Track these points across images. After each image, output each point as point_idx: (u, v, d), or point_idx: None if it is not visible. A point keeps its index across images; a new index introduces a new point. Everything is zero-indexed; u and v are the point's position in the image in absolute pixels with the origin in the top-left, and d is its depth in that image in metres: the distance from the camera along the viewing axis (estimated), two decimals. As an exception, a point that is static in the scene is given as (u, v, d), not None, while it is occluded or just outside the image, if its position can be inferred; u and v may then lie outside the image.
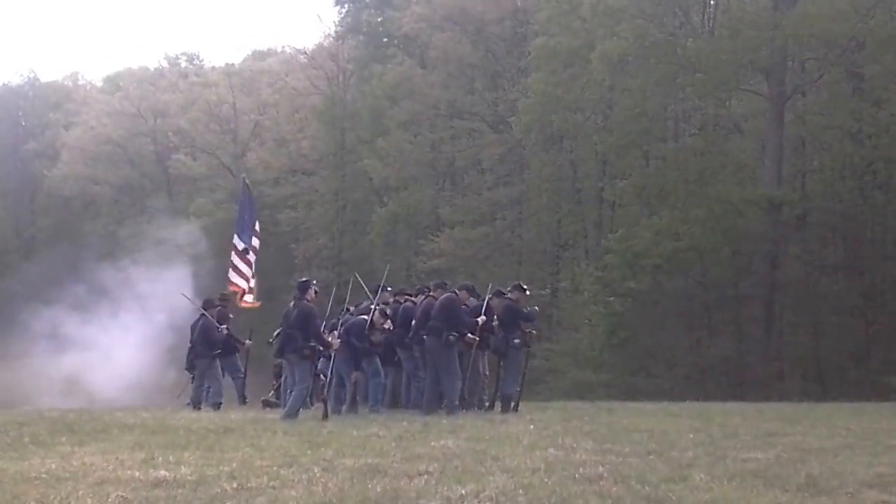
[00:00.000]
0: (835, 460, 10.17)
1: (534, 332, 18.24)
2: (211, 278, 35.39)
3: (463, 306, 17.01)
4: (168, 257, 30.98)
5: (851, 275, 37.70)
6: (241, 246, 23.58)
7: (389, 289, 18.60)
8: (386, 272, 19.55)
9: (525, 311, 17.71)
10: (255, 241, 24.02)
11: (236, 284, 23.27)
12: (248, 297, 23.47)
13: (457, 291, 17.26)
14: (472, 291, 17.51)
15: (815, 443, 11.78)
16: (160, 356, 29.73)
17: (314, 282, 16.53)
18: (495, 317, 17.34)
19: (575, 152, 44.60)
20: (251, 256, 23.65)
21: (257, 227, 24.33)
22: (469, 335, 16.49)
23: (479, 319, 16.78)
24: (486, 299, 17.41)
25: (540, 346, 35.21)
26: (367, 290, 18.37)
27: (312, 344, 15.53)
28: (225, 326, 19.92)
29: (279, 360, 18.53)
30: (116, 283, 29.77)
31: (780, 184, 36.94)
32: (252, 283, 23.64)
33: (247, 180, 26.72)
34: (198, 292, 26.57)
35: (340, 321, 17.42)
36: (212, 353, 19.56)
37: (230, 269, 23.54)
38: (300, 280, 16.74)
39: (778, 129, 36.96)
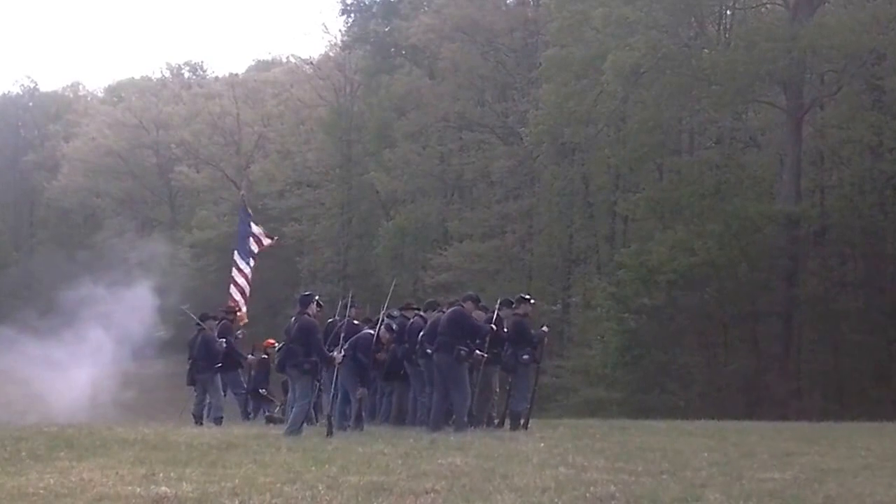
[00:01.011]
0: (854, 481, 10.02)
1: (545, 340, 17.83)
2: (181, 294, 34.83)
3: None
4: (130, 276, 30.36)
5: (871, 292, 37.14)
6: (241, 264, 23.24)
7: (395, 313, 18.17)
8: (392, 287, 18.92)
9: (532, 332, 17.26)
10: (252, 263, 23.71)
11: (234, 299, 22.85)
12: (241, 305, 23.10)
13: (462, 304, 16.67)
14: (476, 301, 16.91)
15: (834, 463, 11.64)
16: (117, 375, 29.16)
17: (316, 296, 16.27)
18: (505, 330, 16.92)
19: (587, 165, 43.87)
20: (247, 270, 23.32)
21: (252, 247, 23.95)
22: (477, 352, 16.02)
23: (489, 326, 16.38)
24: (496, 310, 17.02)
25: (551, 363, 34.80)
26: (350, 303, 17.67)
27: (313, 359, 15.18)
28: (224, 340, 19.49)
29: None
30: (75, 302, 29.23)
31: (798, 199, 36.46)
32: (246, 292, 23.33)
33: (245, 198, 27.07)
34: (163, 311, 26.13)
35: (342, 333, 16.77)
36: (213, 366, 19.12)
37: (231, 284, 23.13)
38: (302, 294, 16.48)
39: (796, 142, 36.48)
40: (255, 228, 24.17)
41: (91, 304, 28.04)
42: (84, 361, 26.02)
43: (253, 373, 21.11)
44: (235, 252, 23.84)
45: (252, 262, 23.84)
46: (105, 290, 29.07)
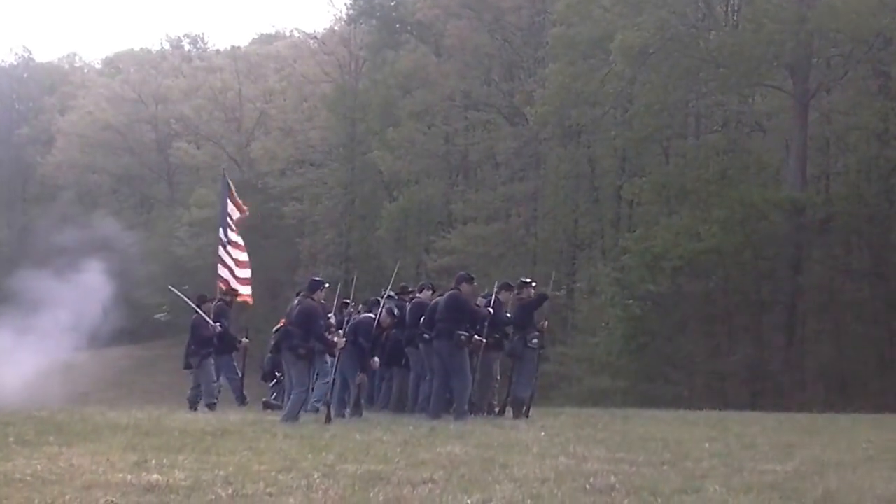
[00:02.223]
0: (854, 475, 9.86)
1: (546, 322, 17.79)
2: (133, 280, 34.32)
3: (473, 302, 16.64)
4: (80, 261, 29.94)
5: (876, 281, 36.89)
6: (224, 239, 22.90)
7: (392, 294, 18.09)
8: (396, 270, 18.72)
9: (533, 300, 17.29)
10: (232, 235, 23.22)
11: (224, 279, 22.51)
12: (243, 290, 22.64)
13: (459, 287, 16.45)
14: (469, 281, 16.63)
15: (835, 456, 11.48)
16: (61, 361, 28.81)
17: (327, 284, 16.19)
18: (507, 315, 16.94)
19: (593, 147, 43.72)
20: (233, 249, 22.91)
21: (230, 213, 23.51)
22: (476, 337, 15.93)
23: (487, 309, 16.32)
24: (494, 294, 17.02)
25: (554, 350, 34.65)
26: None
27: (310, 344, 15.11)
28: (219, 324, 19.23)
29: None
30: (24, 288, 28.81)
31: (803, 185, 36.38)
32: (240, 274, 22.87)
33: (226, 173, 26.35)
34: (120, 296, 25.75)
35: (347, 319, 16.92)
36: (203, 350, 18.96)
37: (218, 264, 22.80)
38: (313, 278, 16.34)
39: (802, 127, 36.37)
40: (230, 207, 23.67)
41: (37, 289, 27.60)
42: (25, 351, 25.57)
43: (269, 356, 20.78)
44: (220, 229, 23.39)
45: (230, 238, 23.35)
46: (53, 274, 28.54)
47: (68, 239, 37.27)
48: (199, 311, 19.28)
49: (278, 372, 20.60)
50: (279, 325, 17.94)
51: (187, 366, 19.56)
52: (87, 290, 25.73)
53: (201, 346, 18.93)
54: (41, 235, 52.65)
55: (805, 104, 36.22)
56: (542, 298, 17.52)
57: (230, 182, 24.47)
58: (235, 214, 23.65)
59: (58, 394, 27.49)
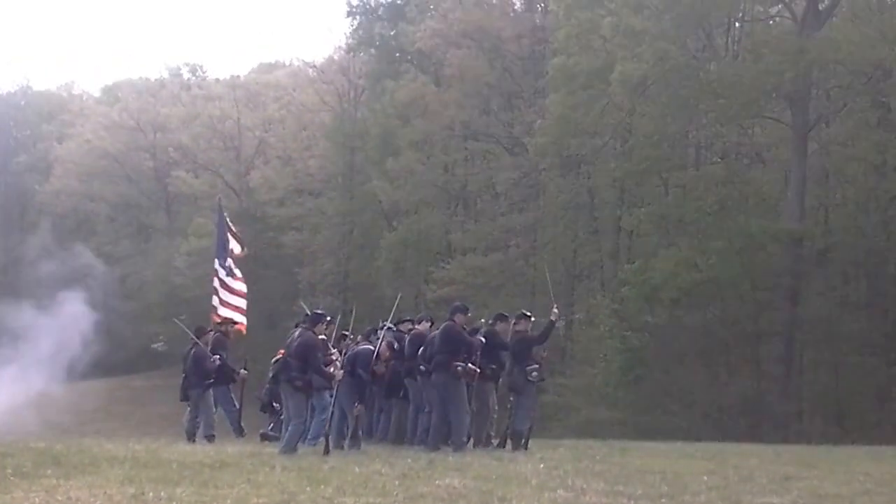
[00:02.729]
0: None
1: (544, 353, 17.64)
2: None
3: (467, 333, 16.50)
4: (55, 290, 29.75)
5: (874, 313, 37.13)
6: (221, 271, 22.82)
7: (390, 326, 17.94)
8: (397, 302, 18.64)
9: (536, 335, 17.19)
10: (231, 263, 23.15)
11: (215, 308, 22.45)
12: (238, 318, 22.59)
13: (453, 318, 16.42)
14: (464, 312, 16.64)
15: (833, 488, 11.63)
16: (37, 393, 28.63)
17: (329, 318, 16.21)
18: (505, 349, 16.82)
19: (592, 178, 43.68)
20: (230, 280, 22.85)
21: (232, 248, 23.47)
22: (470, 366, 15.85)
23: (479, 339, 16.24)
24: (489, 324, 17.03)
25: (553, 381, 34.57)
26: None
27: (307, 377, 15.04)
28: (218, 356, 19.14)
29: None
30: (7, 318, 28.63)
31: (802, 217, 36.41)
32: (235, 302, 22.82)
33: (222, 202, 26.10)
34: (99, 326, 25.63)
35: (343, 351, 16.85)
36: (204, 382, 18.83)
37: (213, 295, 22.74)
38: (315, 311, 16.32)
39: (801, 159, 36.44)
40: (232, 240, 23.60)
41: (19, 320, 27.42)
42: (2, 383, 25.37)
43: (267, 387, 20.72)
44: (216, 261, 23.32)
45: (229, 268, 23.29)
46: (34, 305, 28.37)
47: (50, 269, 37.12)
48: (199, 342, 19.20)
49: (276, 403, 20.57)
50: (278, 356, 17.91)
51: (185, 398, 19.43)
52: (68, 321, 25.56)
53: (202, 378, 18.81)
54: (25, 266, 52.64)
55: (804, 136, 36.31)
56: (547, 332, 17.40)
57: (226, 214, 24.50)
58: (237, 249, 23.65)
59: (34, 425, 27.41)
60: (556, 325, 18.79)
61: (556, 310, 17.56)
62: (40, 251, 51.46)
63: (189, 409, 19.33)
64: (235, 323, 21.94)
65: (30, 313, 26.69)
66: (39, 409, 28.90)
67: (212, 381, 18.91)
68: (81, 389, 50.67)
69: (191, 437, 18.87)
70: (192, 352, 19.06)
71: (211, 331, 20.07)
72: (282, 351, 18.65)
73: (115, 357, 66.20)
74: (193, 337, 19.52)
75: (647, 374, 35.36)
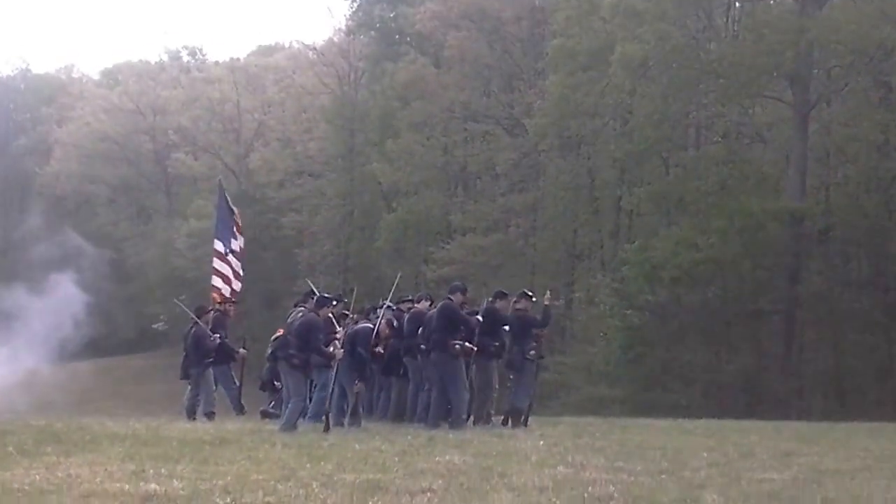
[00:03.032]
0: (852, 483, 9.93)
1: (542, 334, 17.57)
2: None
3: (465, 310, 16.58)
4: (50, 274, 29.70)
5: (875, 291, 37.06)
6: (221, 249, 22.76)
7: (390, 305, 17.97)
8: (396, 281, 18.62)
9: (538, 317, 17.19)
10: (235, 244, 23.11)
11: (218, 289, 22.44)
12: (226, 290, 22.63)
13: (451, 297, 16.52)
14: (463, 292, 16.81)
15: (833, 464, 11.54)
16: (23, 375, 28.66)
17: (335, 303, 16.15)
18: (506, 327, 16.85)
19: (592, 159, 43.56)
20: (232, 259, 22.82)
21: (236, 229, 23.43)
22: (467, 344, 15.88)
23: (476, 317, 16.25)
24: (487, 302, 17.03)
25: (552, 359, 34.57)
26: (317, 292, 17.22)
27: (304, 355, 15.18)
28: (218, 335, 19.20)
29: None
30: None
31: (803, 196, 36.30)
32: (235, 285, 22.82)
33: (223, 182, 26.34)
34: (93, 308, 25.62)
35: (344, 330, 16.60)
36: (204, 361, 18.93)
37: (213, 275, 22.70)
38: (323, 294, 16.34)
39: (802, 139, 36.32)
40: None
41: (12, 301, 27.40)
42: None
43: (267, 365, 20.80)
44: (216, 240, 23.29)
45: (235, 244, 23.24)
46: (24, 288, 28.36)
47: (42, 252, 37.18)
48: (199, 322, 19.25)
49: (277, 381, 20.64)
50: (277, 335, 17.98)
51: (185, 376, 19.54)
52: (60, 302, 25.59)
53: (202, 357, 18.90)
54: (23, 248, 52.64)
55: (805, 115, 36.22)
56: (545, 322, 17.40)
57: (226, 194, 24.47)
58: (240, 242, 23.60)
59: (33, 405, 27.41)
60: (554, 306, 18.82)
61: (549, 293, 17.62)
62: (35, 234, 51.58)
63: (189, 387, 19.41)
64: (234, 301, 21.98)
65: (23, 295, 26.75)
66: (37, 389, 28.96)
67: (212, 359, 18.99)
68: (81, 369, 50.82)
69: (191, 414, 18.97)
70: (193, 331, 19.13)
71: (211, 310, 20.12)
72: (281, 329, 18.75)
73: (115, 337, 66.66)
74: (193, 316, 19.60)
75: (647, 352, 35.33)
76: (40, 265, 32.74)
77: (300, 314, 16.91)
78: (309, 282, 19.12)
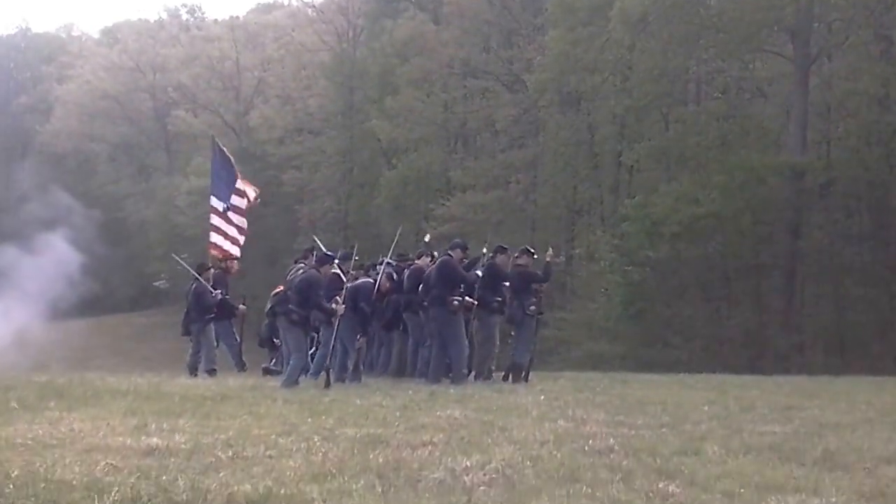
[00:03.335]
0: (853, 435, 9.95)
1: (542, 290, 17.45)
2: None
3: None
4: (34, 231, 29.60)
5: (876, 245, 36.89)
6: (220, 206, 22.68)
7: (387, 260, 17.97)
8: (396, 237, 18.60)
9: (539, 273, 17.22)
10: (236, 199, 22.99)
11: (218, 246, 22.37)
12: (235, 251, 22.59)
13: (450, 253, 16.53)
14: (463, 249, 16.82)
15: (834, 417, 11.54)
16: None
17: (336, 261, 16.14)
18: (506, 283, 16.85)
19: (592, 114, 43.38)
20: (233, 215, 22.75)
21: (238, 185, 23.30)
22: (467, 298, 15.91)
23: (475, 273, 16.28)
24: (489, 257, 17.02)
25: (553, 315, 34.58)
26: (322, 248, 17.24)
27: (303, 312, 15.24)
28: (220, 291, 19.25)
29: None
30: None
31: (804, 150, 36.04)
32: (240, 240, 22.77)
33: (216, 139, 26.02)
34: (86, 266, 25.57)
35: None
36: (205, 317, 18.99)
37: (211, 231, 22.64)
38: (325, 252, 16.40)
39: (803, 93, 36.05)
40: (241, 183, 23.43)
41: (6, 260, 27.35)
42: None
43: (266, 322, 20.87)
44: (212, 197, 23.20)
45: (239, 200, 23.15)
46: (13, 246, 28.28)
47: (34, 211, 37.07)
48: (200, 279, 19.28)
49: (276, 338, 20.76)
50: (277, 290, 18.02)
51: (186, 332, 19.58)
52: (53, 261, 25.53)
53: (203, 313, 18.96)
54: (19, 206, 52.57)
55: (806, 70, 35.94)
56: (546, 277, 17.41)
57: (226, 150, 24.35)
58: (251, 193, 23.47)
59: (32, 362, 27.39)
60: (555, 262, 18.84)
61: (550, 250, 17.65)
62: (33, 193, 51.42)
63: (192, 343, 19.48)
64: (234, 256, 21.95)
65: (17, 253, 26.71)
66: (36, 347, 28.94)
67: (213, 315, 19.02)
68: (82, 327, 50.87)
69: (192, 371, 19.02)
70: (194, 287, 19.19)
71: (211, 268, 20.10)
72: (281, 286, 18.82)
73: (116, 295, 66.79)
74: (195, 273, 19.65)
75: (647, 308, 35.23)
76: (33, 224, 32.68)
77: (300, 271, 16.95)
78: (315, 238, 19.11)
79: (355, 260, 17.10)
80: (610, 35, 38.57)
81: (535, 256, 17.41)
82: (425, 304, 16.33)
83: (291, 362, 15.48)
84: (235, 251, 22.27)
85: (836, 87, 37.59)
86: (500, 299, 16.62)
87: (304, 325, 15.52)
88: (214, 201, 22.91)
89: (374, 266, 17.87)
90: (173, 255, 22.58)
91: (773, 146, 38.37)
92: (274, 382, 15.55)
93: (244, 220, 22.98)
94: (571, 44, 39.48)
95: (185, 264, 20.88)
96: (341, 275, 16.09)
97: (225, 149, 24.43)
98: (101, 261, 32.29)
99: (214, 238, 22.47)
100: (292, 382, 14.93)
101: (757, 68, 40.84)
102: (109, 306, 68.70)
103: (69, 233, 28.23)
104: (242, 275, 25.54)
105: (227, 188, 22.97)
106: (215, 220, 22.70)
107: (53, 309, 26.82)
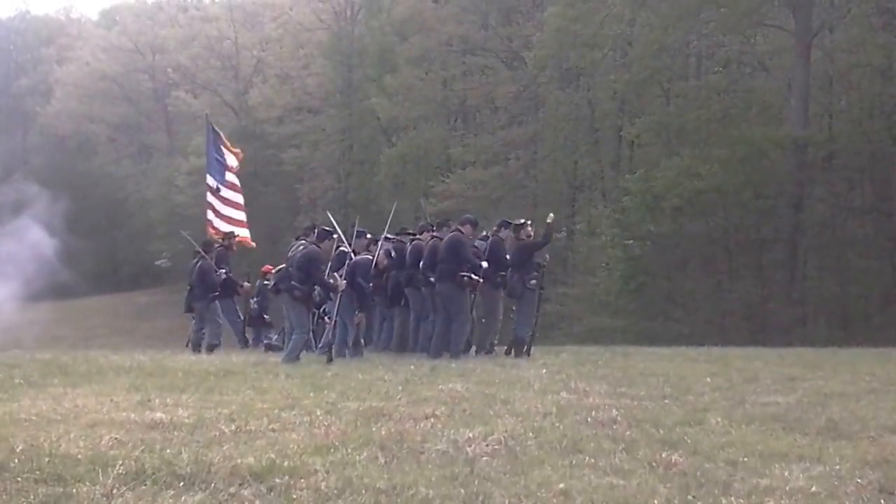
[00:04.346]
0: (857, 405, 10.03)
1: (545, 262, 17.44)
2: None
3: (472, 245, 16.67)
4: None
5: (879, 218, 36.71)
6: (213, 185, 22.77)
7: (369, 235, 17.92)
8: (393, 210, 18.62)
9: (538, 240, 17.31)
10: (231, 176, 23.08)
11: (212, 223, 22.49)
12: (241, 232, 22.64)
13: (460, 229, 16.57)
14: (474, 225, 16.85)
15: (838, 387, 11.60)
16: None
17: (336, 236, 16.21)
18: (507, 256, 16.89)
19: (592, 90, 43.27)
20: (231, 192, 22.83)
21: (230, 162, 23.37)
22: (474, 276, 15.94)
23: (482, 263, 16.26)
24: (493, 232, 17.20)
25: (555, 290, 34.55)
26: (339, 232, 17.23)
27: (306, 287, 15.30)
28: (224, 269, 19.39)
29: None
30: None
31: (806, 124, 35.82)
32: (237, 216, 22.85)
33: (209, 117, 26.26)
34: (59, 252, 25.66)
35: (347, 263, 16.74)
36: (209, 295, 19.08)
37: (207, 210, 22.72)
38: (324, 228, 16.36)
39: (804, 66, 35.78)
40: (226, 154, 23.48)
41: None
42: None
43: (256, 299, 21.07)
44: (208, 176, 23.25)
45: (229, 182, 23.23)
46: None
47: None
48: (206, 256, 19.34)
49: (266, 315, 20.96)
50: (280, 267, 18.11)
51: (188, 310, 19.70)
52: (28, 247, 25.54)
53: (207, 291, 19.05)
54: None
55: (807, 43, 35.67)
56: (546, 240, 17.41)
57: (214, 127, 24.40)
58: (234, 162, 23.56)
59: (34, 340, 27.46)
60: (555, 230, 18.84)
61: (552, 215, 17.62)
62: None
63: (194, 320, 19.62)
64: (237, 236, 21.97)
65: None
66: (42, 325, 29.03)
67: (217, 293, 19.10)
68: (85, 306, 50.90)
69: (196, 347, 19.17)
70: (199, 265, 19.26)
71: (217, 245, 20.21)
72: (267, 267, 18.89)
73: (118, 274, 66.91)
74: (200, 250, 19.70)
75: (649, 281, 35.20)
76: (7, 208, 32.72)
77: (301, 247, 16.98)
78: (329, 214, 19.14)
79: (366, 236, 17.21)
80: (610, 10, 38.47)
81: (530, 224, 17.49)
82: (430, 279, 16.33)
83: (293, 338, 15.55)
84: (227, 228, 22.38)
85: (837, 60, 37.42)
86: (503, 274, 16.64)
87: (306, 301, 15.55)
88: (210, 180, 23.02)
89: (375, 241, 17.90)
90: (181, 231, 22.59)
91: (775, 120, 38.22)
92: (276, 358, 15.60)
93: (239, 195, 23.09)
94: (571, 19, 39.28)
95: (192, 241, 20.88)
96: (351, 252, 16.16)
97: (214, 126, 24.52)
98: (70, 245, 32.16)
99: (211, 216, 22.59)
100: (293, 358, 14.98)
101: (758, 42, 40.59)
102: (111, 285, 68.87)
103: (39, 217, 28.22)
104: (244, 252, 25.55)
105: (220, 167, 23.09)
106: (210, 198, 22.82)
107: (27, 289, 26.87)
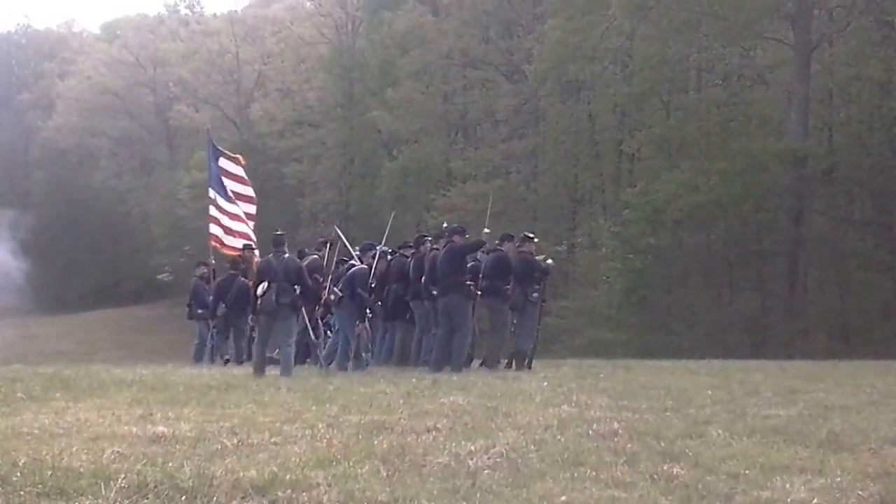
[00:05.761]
0: (858, 417, 9.99)
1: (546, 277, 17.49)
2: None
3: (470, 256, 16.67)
4: None
5: (879, 230, 36.82)
6: (215, 198, 22.87)
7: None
8: (390, 221, 18.65)
9: (542, 264, 17.30)
10: (238, 186, 23.18)
11: (217, 238, 22.53)
12: (236, 242, 22.66)
13: (453, 239, 16.50)
14: (462, 233, 16.69)
15: (839, 400, 11.52)
16: None
17: (329, 245, 16.33)
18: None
19: (592, 103, 43.34)
20: (225, 204, 22.89)
21: (234, 171, 23.46)
22: (471, 287, 15.98)
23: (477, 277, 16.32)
24: (496, 245, 17.30)
25: (556, 304, 34.57)
26: (347, 244, 17.29)
27: (296, 297, 15.34)
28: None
29: None
30: None
31: (805, 137, 35.88)
32: (239, 229, 22.90)
33: (210, 132, 26.65)
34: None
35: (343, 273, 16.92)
36: (247, 313, 19.08)
37: (210, 223, 22.80)
38: (322, 240, 17.01)
39: (804, 79, 35.85)
40: (224, 162, 23.58)
41: None
42: None
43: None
44: (210, 189, 23.34)
45: (230, 195, 23.30)
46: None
47: None
48: (239, 274, 19.54)
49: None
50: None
51: (191, 316, 20.06)
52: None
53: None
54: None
55: (807, 56, 35.76)
56: (545, 273, 17.43)
57: (214, 142, 24.49)
58: (239, 171, 23.62)
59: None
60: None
61: (549, 261, 17.69)
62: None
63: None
64: (239, 249, 22.01)
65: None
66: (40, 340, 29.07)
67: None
68: (86, 320, 50.88)
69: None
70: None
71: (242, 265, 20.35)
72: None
73: (120, 288, 66.94)
74: (234, 269, 19.95)
75: (649, 295, 35.27)
76: None
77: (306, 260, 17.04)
78: (336, 228, 19.22)
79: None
80: (610, 23, 38.53)
81: (536, 240, 17.50)
82: (433, 292, 16.33)
83: (282, 352, 15.64)
84: (233, 242, 22.44)
85: (837, 73, 37.49)
86: (508, 287, 16.66)
87: (296, 313, 15.59)
88: (211, 193, 23.09)
89: (371, 247, 17.84)
90: (210, 252, 22.80)
91: (775, 133, 38.18)
92: (276, 371, 15.60)
93: (250, 205, 23.18)
94: (571, 32, 39.37)
95: (223, 260, 21.00)
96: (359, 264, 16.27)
97: (214, 142, 24.62)
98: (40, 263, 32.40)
99: (213, 230, 22.63)
100: (289, 371, 15.11)
101: (758, 55, 40.58)
102: (114, 299, 68.92)
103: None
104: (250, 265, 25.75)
105: (222, 181, 23.19)
106: (213, 211, 22.88)
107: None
